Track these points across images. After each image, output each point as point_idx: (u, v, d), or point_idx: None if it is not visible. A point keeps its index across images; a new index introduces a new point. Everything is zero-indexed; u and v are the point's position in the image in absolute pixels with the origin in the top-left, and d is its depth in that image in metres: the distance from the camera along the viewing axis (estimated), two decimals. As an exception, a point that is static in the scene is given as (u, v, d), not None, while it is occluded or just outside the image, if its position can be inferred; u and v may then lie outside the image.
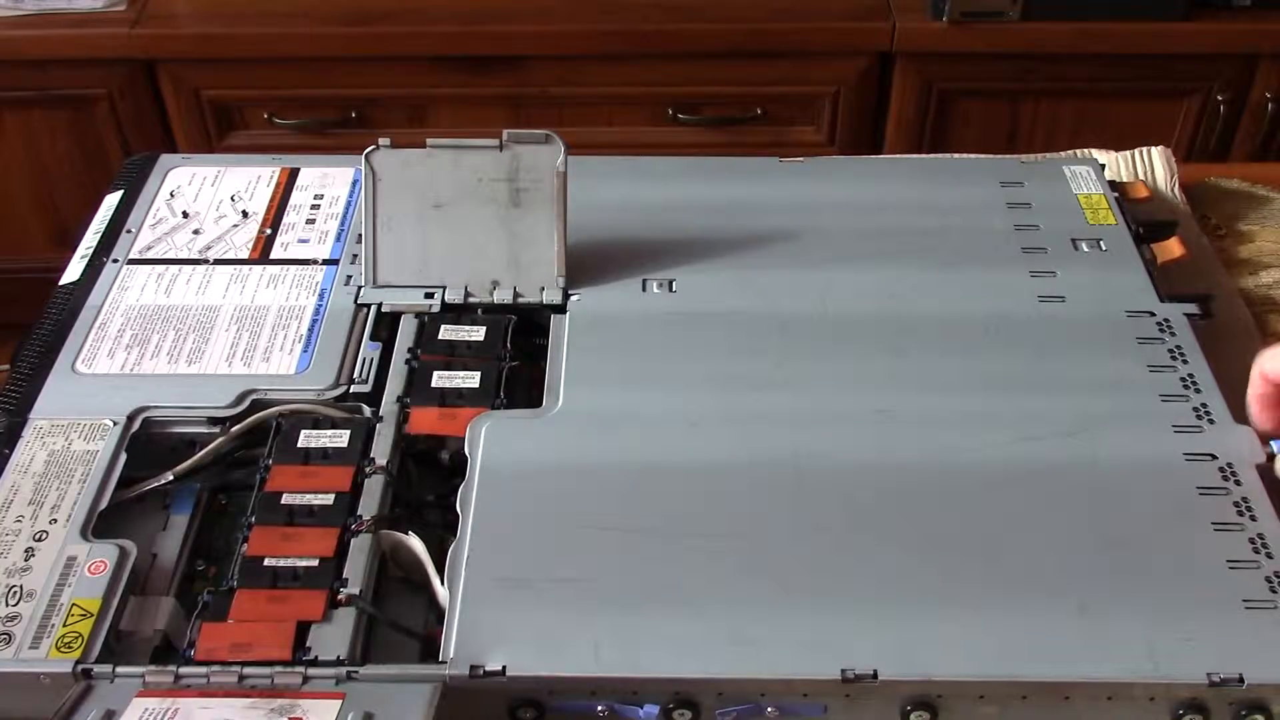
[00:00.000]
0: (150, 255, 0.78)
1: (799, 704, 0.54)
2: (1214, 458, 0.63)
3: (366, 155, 0.72)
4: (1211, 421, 0.65)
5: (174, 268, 0.76)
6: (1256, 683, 0.53)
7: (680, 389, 0.67)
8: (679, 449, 0.64)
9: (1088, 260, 0.77)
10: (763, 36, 1.40)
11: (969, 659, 0.54)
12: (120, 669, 0.53)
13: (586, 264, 0.75)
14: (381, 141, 0.72)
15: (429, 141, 0.72)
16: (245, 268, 0.76)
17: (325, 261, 0.77)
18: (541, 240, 0.73)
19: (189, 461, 0.65)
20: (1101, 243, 0.78)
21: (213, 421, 0.66)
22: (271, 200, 0.82)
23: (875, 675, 0.53)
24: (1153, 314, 0.72)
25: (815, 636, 0.55)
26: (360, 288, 0.74)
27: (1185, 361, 0.69)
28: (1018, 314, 0.72)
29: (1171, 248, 0.79)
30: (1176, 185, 0.91)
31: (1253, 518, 0.60)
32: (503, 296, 0.74)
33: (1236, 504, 0.61)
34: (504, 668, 0.53)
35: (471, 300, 0.74)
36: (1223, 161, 1.49)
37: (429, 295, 0.74)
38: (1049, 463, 0.63)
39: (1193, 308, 0.73)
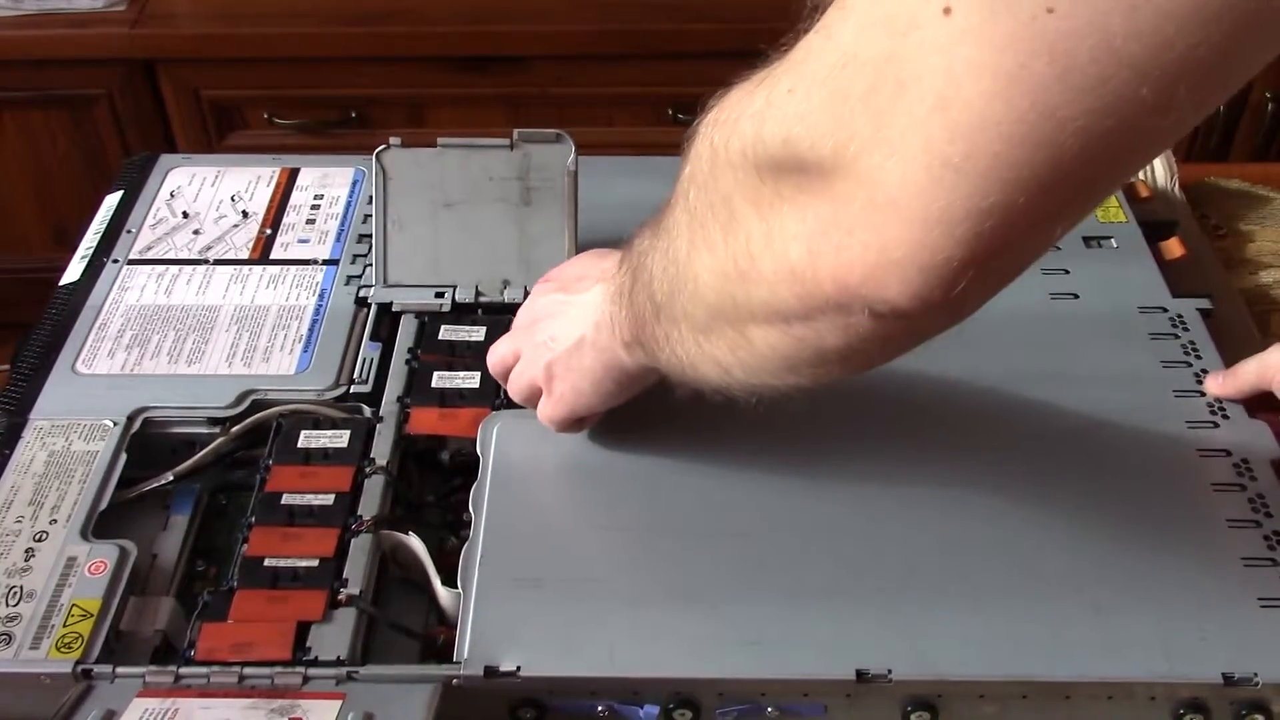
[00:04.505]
0: (150, 255, 0.77)
1: (799, 704, 0.53)
2: (1228, 454, 0.62)
3: (378, 154, 0.72)
4: (1226, 417, 0.64)
5: (174, 268, 0.76)
6: (1271, 681, 0.52)
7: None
8: (690, 448, 0.63)
9: (1099, 257, 0.76)
10: (763, 36, 1.39)
11: (983, 659, 0.53)
12: (120, 669, 0.53)
13: (595, 263, 0.74)
14: (393, 140, 0.72)
15: (440, 140, 0.72)
16: (245, 268, 0.76)
17: (325, 261, 0.76)
18: (552, 239, 0.73)
19: (189, 462, 0.64)
20: (1113, 240, 0.77)
21: (213, 422, 0.66)
22: (271, 200, 0.82)
23: (889, 675, 0.52)
24: (1165, 310, 0.72)
25: (825, 637, 0.54)
26: (368, 287, 0.74)
27: (1199, 357, 0.68)
28: (1030, 311, 0.72)
29: (1171, 248, 0.78)
30: (1176, 185, 0.90)
31: (1268, 514, 0.59)
32: (514, 295, 0.73)
33: (1251, 500, 0.60)
34: (518, 668, 0.52)
35: (483, 299, 0.73)
36: (1223, 161, 1.48)
37: (440, 294, 0.73)
38: (1062, 460, 0.62)
39: (1205, 303, 0.72)
